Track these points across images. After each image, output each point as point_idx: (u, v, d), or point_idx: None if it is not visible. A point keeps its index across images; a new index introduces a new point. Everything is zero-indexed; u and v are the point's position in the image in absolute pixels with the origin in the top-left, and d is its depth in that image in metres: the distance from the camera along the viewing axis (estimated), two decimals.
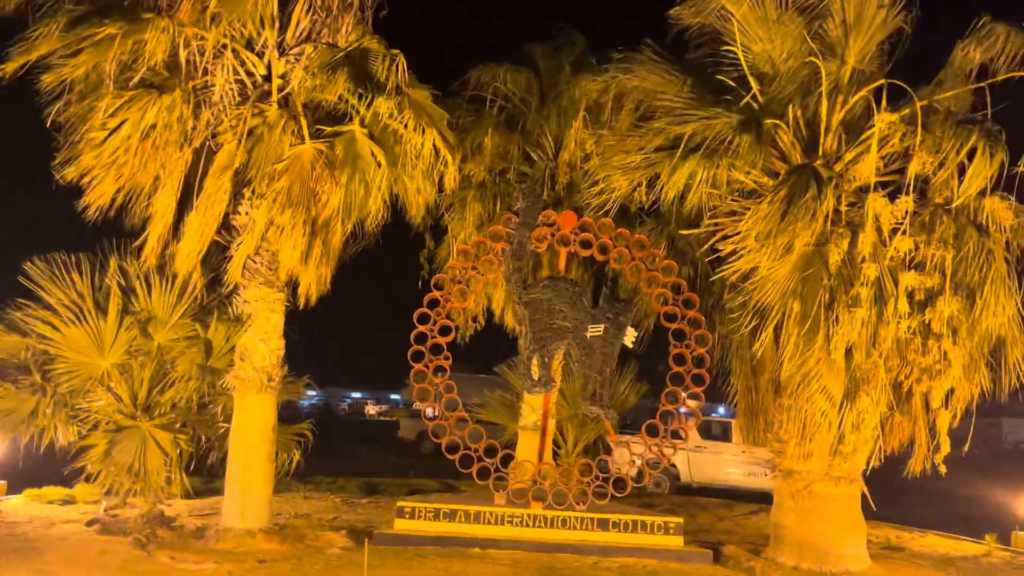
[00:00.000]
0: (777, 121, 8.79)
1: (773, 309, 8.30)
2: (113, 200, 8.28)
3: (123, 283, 8.63)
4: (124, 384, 8.62)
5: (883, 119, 8.29)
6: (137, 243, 8.48)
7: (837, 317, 7.97)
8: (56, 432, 8.63)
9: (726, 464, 17.48)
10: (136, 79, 7.93)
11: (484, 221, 12.26)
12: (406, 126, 8.73)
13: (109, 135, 7.80)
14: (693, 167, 8.71)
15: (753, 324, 8.52)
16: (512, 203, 11.23)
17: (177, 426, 8.62)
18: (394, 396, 62.35)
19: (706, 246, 9.00)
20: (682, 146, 8.52)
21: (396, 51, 8.79)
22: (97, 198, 8.10)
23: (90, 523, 8.98)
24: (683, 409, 10.14)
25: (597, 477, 9.55)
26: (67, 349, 8.36)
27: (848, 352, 8.06)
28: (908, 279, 8.00)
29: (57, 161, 8.12)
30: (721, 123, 8.51)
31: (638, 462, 10.00)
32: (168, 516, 9.02)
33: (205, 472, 9.68)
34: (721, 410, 26.01)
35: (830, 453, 8.60)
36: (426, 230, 12.68)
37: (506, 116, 12.82)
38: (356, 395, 70.44)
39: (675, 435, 9.88)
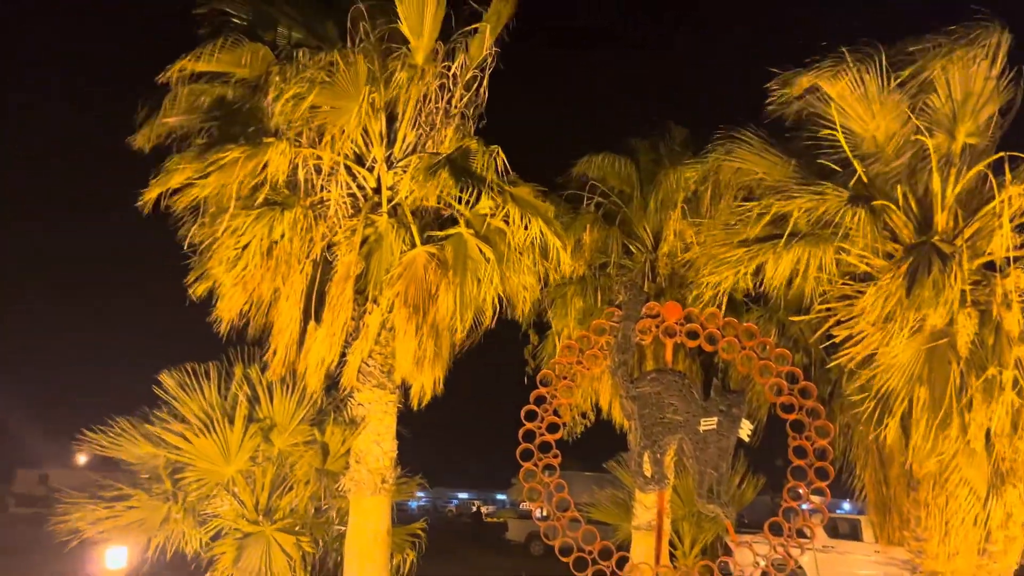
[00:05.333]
0: (886, 202, 8.58)
1: (898, 396, 7.87)
2: (240, 312, 8.82)
3: (247, 391, 9.06)
4: (247, 490, 8.92)
5: (1012, 191, 7.96)
6: (267, 355, 8.91)
7: (971, 403, 7.49)
8: (184, 538, 8.93)
9: (858, 565, 16.24)
10: (260, 198, 8.55)
11: (586, 316, 12.28)
12: (510, 221, 8.99)
13: (242, 251, 8.38)
14: (799, 254, 8.58)
15: (877, 413, 8.09)
16: (614, 297, 11.28)
17: (296, 528, 8.79)
18: (500, 496, 61.58)
19: (819, 332, 8.71)
20: (787, 233, 8.39)
21: (495, 147, 9.14)
22: (226, 311, 8.66)
23: None
24: (806, 505, 9.61)
25: None
26: (197, 458, 8.76)
27: (989, 440, 7.51)
28: None
29: (190, 279, 8.78)
30: (832, 198, 8.36)
31: (762, 564, 9.44)
32: None
33: None
34: (846, 506, 24.45)
35: (978, 552, 7.91)
36: (529, 326, 12.82)
37: (603, 211, 13.02)
38: (463, 495, 69.97)
39: (800, 534, 9.33)
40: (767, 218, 8.64)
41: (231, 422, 8.76)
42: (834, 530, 16.69)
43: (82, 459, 45.19)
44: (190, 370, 9.02)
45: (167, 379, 8.97)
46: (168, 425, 8.85)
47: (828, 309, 8.54)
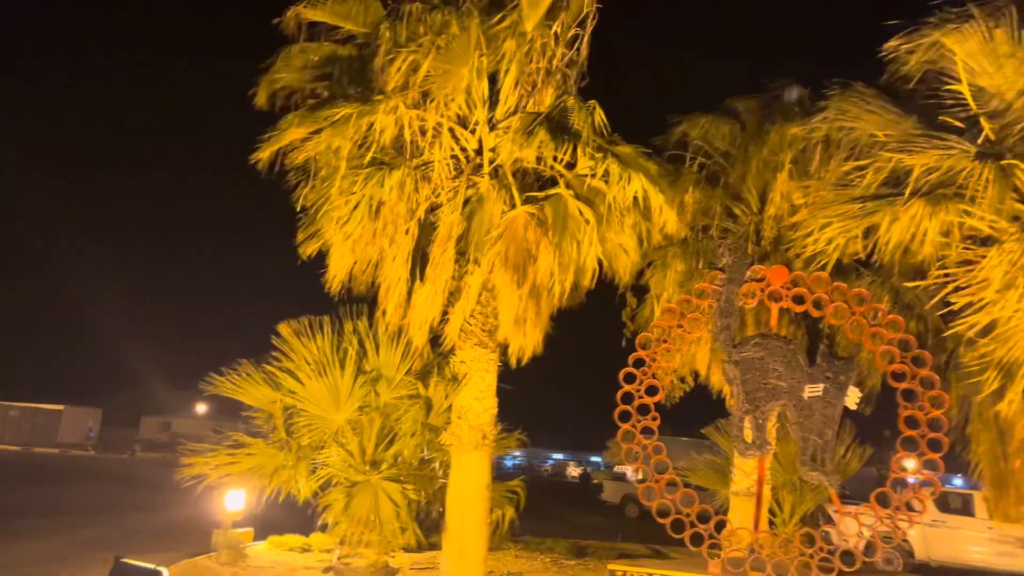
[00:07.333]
0: (1015, 161, 8.03)
1: (1021, 367, 7.46)
2: (350, 272, 9.14)
3: (356, 345, 9.43)
4: (355, 440, 9.33)
5: None
6: (376, 313, 9.23)
7: None
8: (297, 485, 9.42)
9: (969, 541, 15.61)
10: (368, 158, 8.77)
11: (686, 279, 12.12)
12: (610, 179, 8.91)
13: (352, 212, 8.65)
14: (918, 213, 8.16)
15: (997, 384, 7.69)
16: (716, 260, 11.05)
17: (401, 478, 9.16)
18: (595, 458, 62.00)
19: (936, 299, 8.30)
20: (907, 192, 7.97)
21: (592, 102, 8.98)
22: (337, 270, 8.99)
23: (326, 571, 9.71)
24: (916, 478, 9.27)
25: (821, 549, 8.91)
26: (309, 403, 9.22)
27: None
28: None
29: (300, 239, 9.14)
30: (958, 154, 7.89)
31: (867, 534, 9.19)
32: (392, 567, 9.53)
33: (423, 528, 10.18)
34: (958, 481, 23.47)
35: None
36: (628, 289, 12.73)
37: (707, 172, 12.71)
38: (558, 456, 70.85)
39: (909, 507, 9.03)
40: (884, 174, 8.22)
41: (342, 370, 9.14)
42: (945, 504, 16.04)
43: (201, 409, 48.32)
44: (306, 323, 9.44)
45: (284, 329, 9.42)
46: (284, 364, 9.30)
47: (947, 275, 8.12)
